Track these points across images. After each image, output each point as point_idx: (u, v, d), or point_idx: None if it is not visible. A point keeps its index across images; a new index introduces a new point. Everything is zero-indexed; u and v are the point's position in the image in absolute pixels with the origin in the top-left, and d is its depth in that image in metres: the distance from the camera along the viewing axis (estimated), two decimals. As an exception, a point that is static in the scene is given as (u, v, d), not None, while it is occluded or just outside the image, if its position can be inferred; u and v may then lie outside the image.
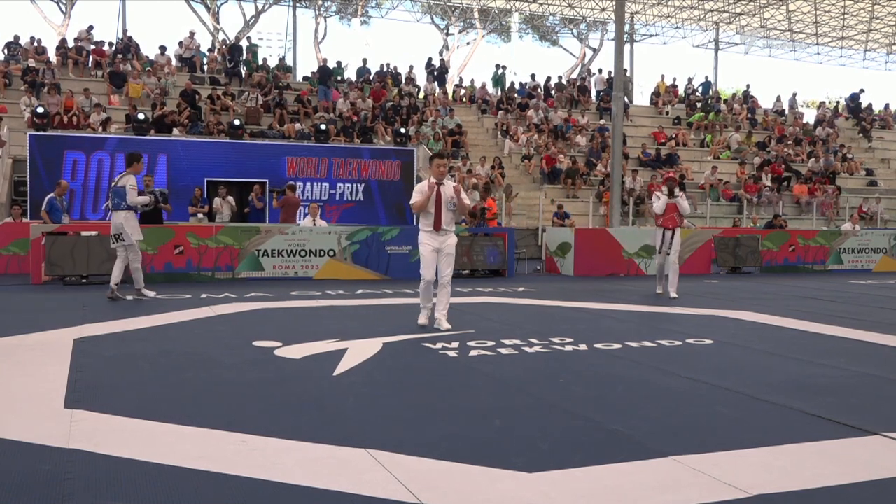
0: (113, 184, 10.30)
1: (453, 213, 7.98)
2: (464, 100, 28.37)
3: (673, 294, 11.12)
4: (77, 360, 6.11)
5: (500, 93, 28.63)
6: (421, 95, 27.44)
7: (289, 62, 31.21)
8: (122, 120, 20.89)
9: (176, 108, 21.47)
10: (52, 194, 14.28)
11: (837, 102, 36.48)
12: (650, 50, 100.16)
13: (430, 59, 29.64)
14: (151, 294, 10.30)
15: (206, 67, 25.76)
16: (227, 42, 29.02)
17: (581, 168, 23.58)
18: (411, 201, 8.03)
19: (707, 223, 21.50)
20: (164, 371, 5.81)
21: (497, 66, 30.54)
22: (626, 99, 27.69)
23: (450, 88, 30.29)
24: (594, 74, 31.82)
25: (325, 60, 26.28)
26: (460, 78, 33.26)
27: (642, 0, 33.84)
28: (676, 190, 11.44)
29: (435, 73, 28.93)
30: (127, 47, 25.40)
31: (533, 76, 30.07)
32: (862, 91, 33.64)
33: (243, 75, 25.42)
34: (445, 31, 45.55)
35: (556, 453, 3.89)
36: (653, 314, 9.38)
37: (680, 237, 11.52)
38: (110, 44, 25.81)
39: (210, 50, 27.37)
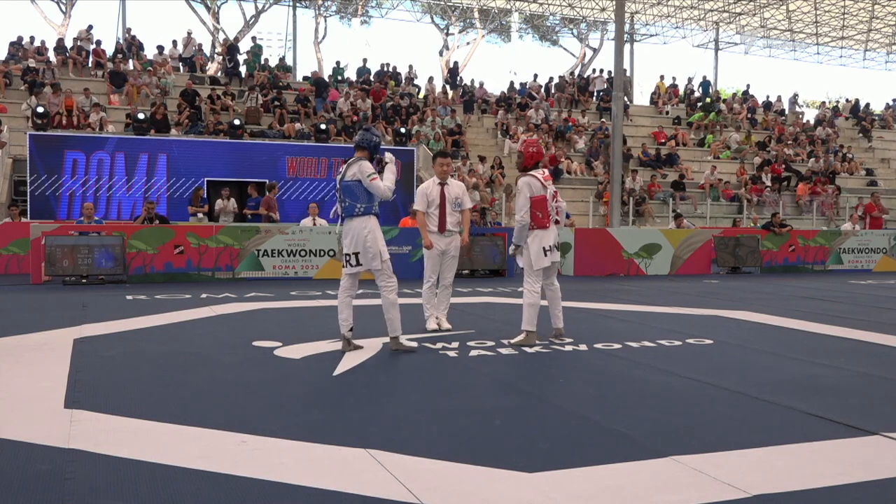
0: (339, 177, 6.80)
1: (458, 213, 7.96)
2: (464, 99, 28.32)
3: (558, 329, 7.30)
4: (77, 360, 6.10)
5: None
6: (421, 95, 27.42)
7: (289, 62, 31.21)
8: (122, 120, 20.89)
9: (176, 108, 21.46)
10: (80, 217, 14.40)
11: (837, 101, 36.47)
12: (650, 50, 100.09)
13: (453, 64, 29.84)
14: (412, 345, 6.81)
15: (207, 69, 25.78)
16: (228, 41, 29.03)
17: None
18: (414, 207, 8.01)
19: (707, 223, 21.48)
20: (164, 371, 5.81)
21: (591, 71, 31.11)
22: (626, 99, 27.70)
23: (449, 88, 30.29)
24: (592, 74, 31.86)
25: (316, 75, 26.38)
26: (460, 77, 33.21)
27: (642, 0, 33.83)
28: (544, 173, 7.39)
29: (449, 76, 29.14)
30: (129, 45, 25.39)
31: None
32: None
33: (243, 75, 25.41)
34: (445, 31, 45.54)
35: (556, 453, 3.89)
36: (653, 314, 9.37)
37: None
38: (116, 42, 25.82)
39: (212, 57, 27.43)
